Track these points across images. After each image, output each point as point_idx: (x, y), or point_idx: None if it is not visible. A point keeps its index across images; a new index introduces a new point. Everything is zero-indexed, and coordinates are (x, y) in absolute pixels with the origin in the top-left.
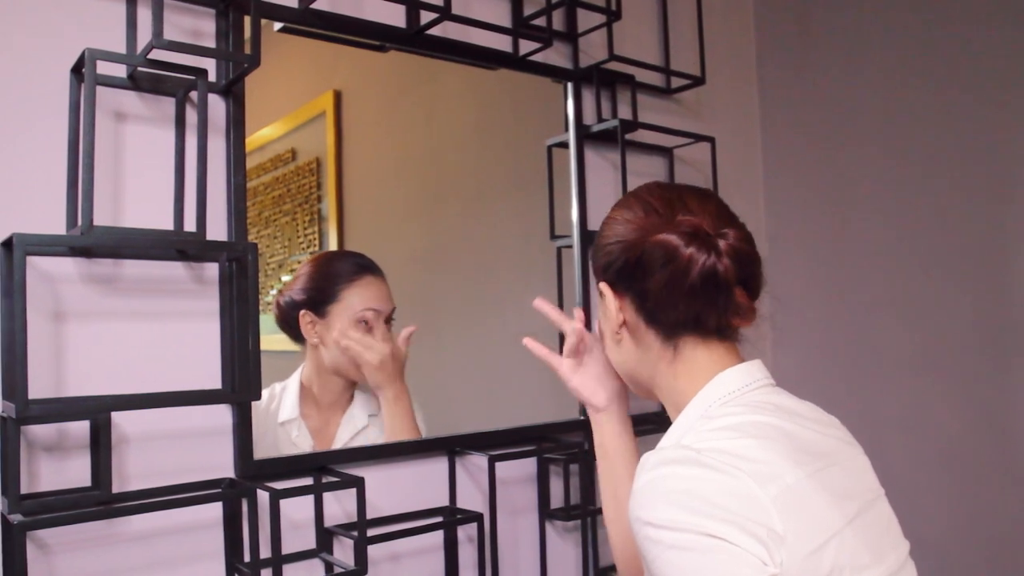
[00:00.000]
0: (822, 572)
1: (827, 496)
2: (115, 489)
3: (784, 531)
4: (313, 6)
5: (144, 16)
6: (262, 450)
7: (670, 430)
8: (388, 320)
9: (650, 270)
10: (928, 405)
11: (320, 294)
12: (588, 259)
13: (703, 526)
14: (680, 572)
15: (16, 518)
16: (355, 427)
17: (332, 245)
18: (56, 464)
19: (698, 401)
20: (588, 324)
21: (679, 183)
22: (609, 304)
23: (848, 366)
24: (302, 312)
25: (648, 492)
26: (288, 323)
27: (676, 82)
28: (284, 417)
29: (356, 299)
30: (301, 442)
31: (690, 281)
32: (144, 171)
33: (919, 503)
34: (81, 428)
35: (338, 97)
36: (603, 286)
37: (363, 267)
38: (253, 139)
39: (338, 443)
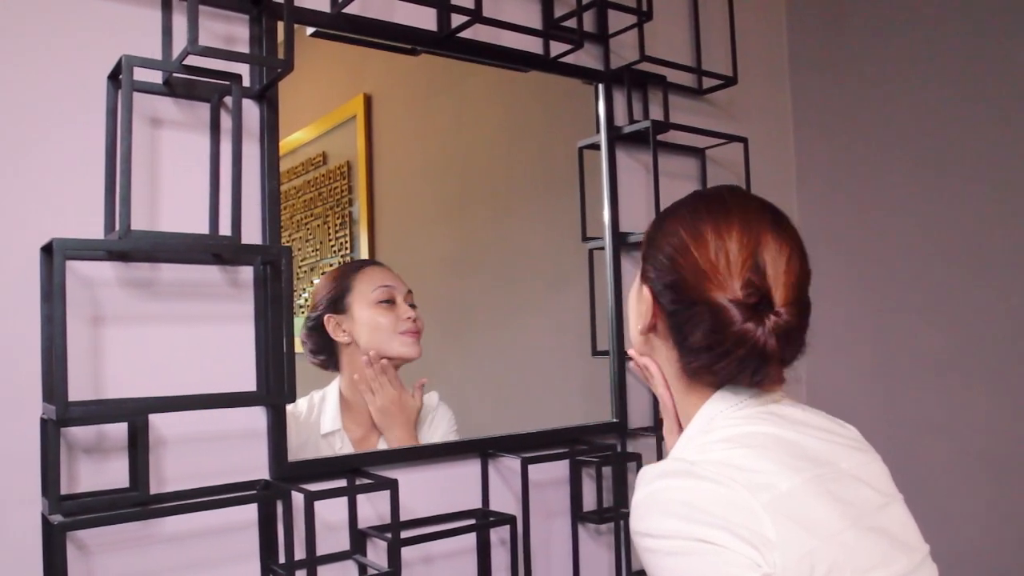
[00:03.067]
0: (819, 573)
1: (827, 500)
2: (152, 490)
3: (776, 537)
4: (345, 11)
5: (179, 23)
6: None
7: (676, 443)
8: (412, 305)
9: (697, 323)
10: (965, 407)
11: (335, 292)
12: (621, 259)
13: (695, 532)
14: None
15: (56, 518)
16: None
17: (363, 248)
18: (95, 465)
19: (701, 415)
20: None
21: (768, 204)
22: (645, 306)
23: (883, 368)
24: (326, 318)
25: (645, 505)
26: (319, 345)
27: (708, 82)
28: (327, 429)
29: (366, 283)
30: (346, 452)
31: (736, 354)
32: (179, 176)
33: (956, 506)
34: (119, 430)
35: (368, 101)
36: (646, 291)
37: (365, 261)
38: (284, 143)
39: None
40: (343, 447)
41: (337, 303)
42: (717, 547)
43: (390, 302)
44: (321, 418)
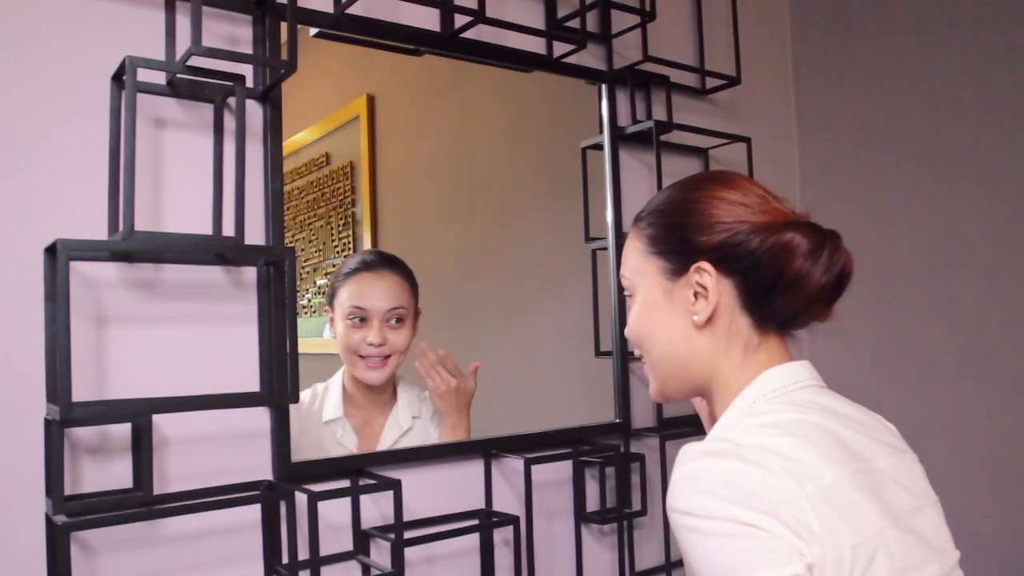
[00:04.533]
0: (857, 571)
1: (867, 497)
2: (156, 491)
3: (819, 529)
4: (348, 11)
5: (183, 24)
6: (305, 449)
7: (716, 425)
8: (399, 320)
9: (783, 260)
10: (973, 407)
11: (331, 289)
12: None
13: (740, 515)
14: (716, 558)
15: (60, 519)
16: (400, 429)
17: (366, 248)
18: (99, 466)
19: (743, 397)
20: None
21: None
22: (709, 286)
23: (891, 369)
24: (325, 309)
25: (686, 483)
26: None
27: (711, 82)
28: (328, 416)
29: (345, 295)
30: (346, 441)
31: (819, 281)
32: (183, 176)
33: (965, 507)
34: (123, 430)
35: (371, 101)
36: (706, 266)
37: (365, 264)
38: (287, 143)
39: (383, 444)
40: (344, 434)
41: (331, 300)
42: (762, 532)
43: (363, 320)
44: (324, 407)
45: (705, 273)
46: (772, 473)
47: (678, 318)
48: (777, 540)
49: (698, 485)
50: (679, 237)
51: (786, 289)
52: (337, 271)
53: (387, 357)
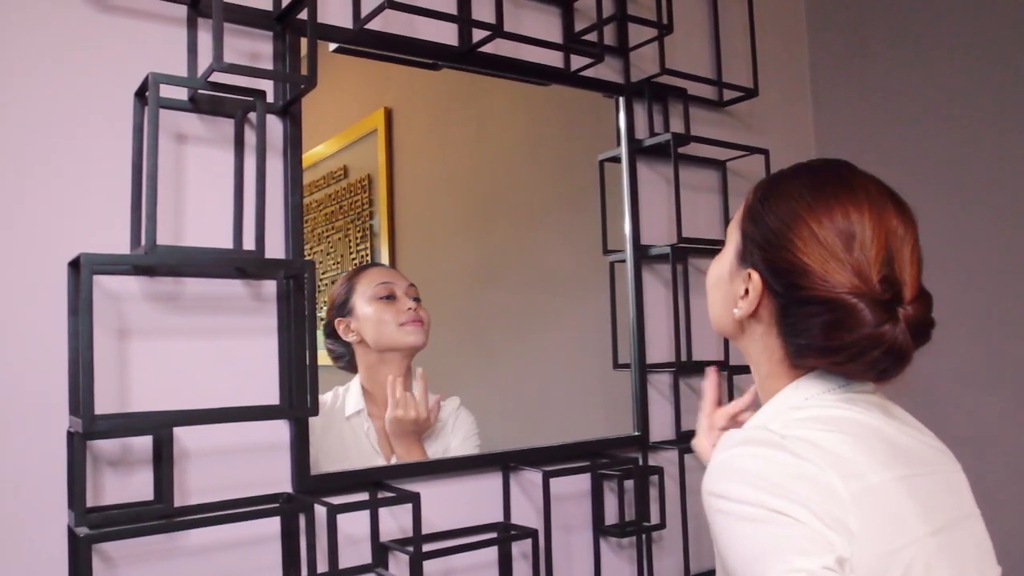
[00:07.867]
0: (895, 574)
1: (912, 503)
2: (176, 503)
3: (858, 528)
4: (367, 27)
5: (204, 40)
6: (328, 447)
7: (759, 412)
8: (416, 299)
9: (816, 319)
10: (999, 422)
11: (340, 297)
12: (642, 272)
13: (774, 504)
14: (745, 542)
15: (82, 531)
16: None
17: (384, 260)
18: (120, 478)
19: (793, 390)
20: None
21: (883, 183)
22: (751, 294)
23: (913, 383)
24: (336, 321)
25: (725, 468)
26: (338, 350)
27: (728, 94)
28: (351, 411)
29: (366, 283)
30: (372, 435)
31: (870, 356)
32: (204, 191)
33: (990, 524)
34: (144, 443)
35: (389, 115)
36: (754, 275)
37: (367, 264)
38: (306, 157)
39: None
40: (369, 429)
41: (343, 306)
42: (794, 520)
43: (390, 297)
44: (345, 404)
45: (752, 282)
46: (815, 466)
47: (728, 297)
48: (808, 529)
49: (736, 473)
50: (748, 229)
51: (820, 352)
52: (338, 286)
53: (422, 321)
